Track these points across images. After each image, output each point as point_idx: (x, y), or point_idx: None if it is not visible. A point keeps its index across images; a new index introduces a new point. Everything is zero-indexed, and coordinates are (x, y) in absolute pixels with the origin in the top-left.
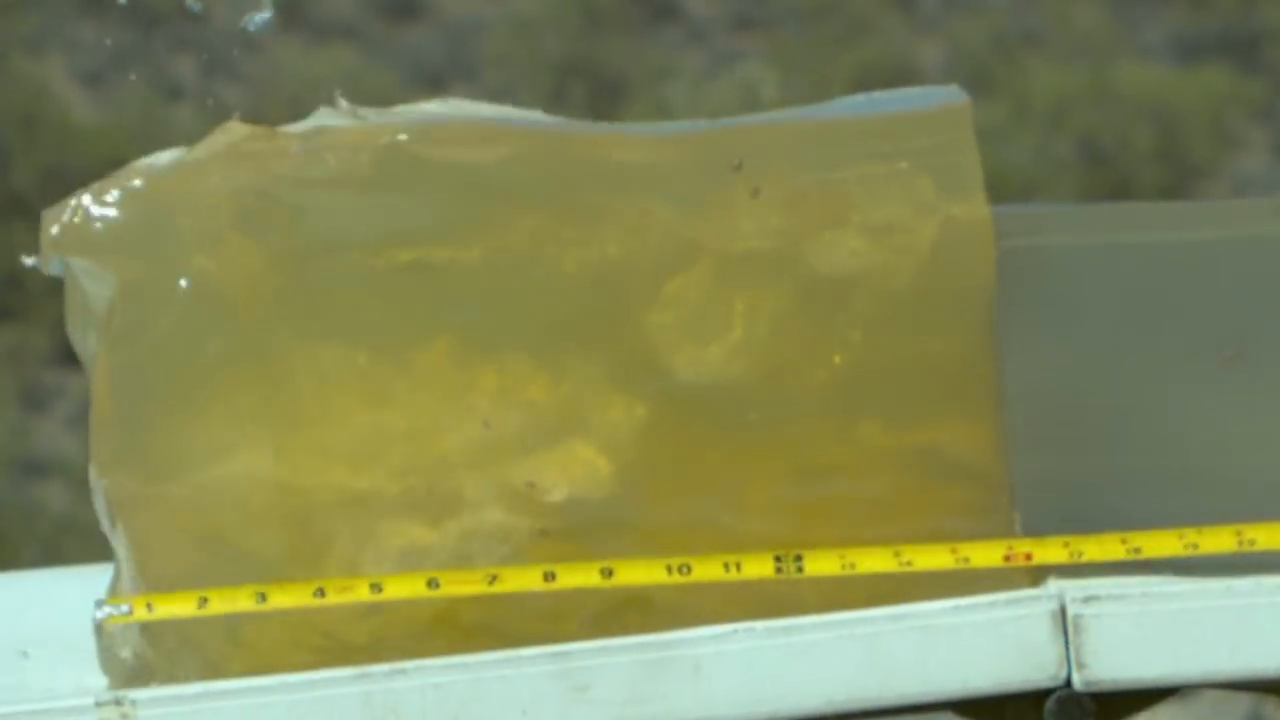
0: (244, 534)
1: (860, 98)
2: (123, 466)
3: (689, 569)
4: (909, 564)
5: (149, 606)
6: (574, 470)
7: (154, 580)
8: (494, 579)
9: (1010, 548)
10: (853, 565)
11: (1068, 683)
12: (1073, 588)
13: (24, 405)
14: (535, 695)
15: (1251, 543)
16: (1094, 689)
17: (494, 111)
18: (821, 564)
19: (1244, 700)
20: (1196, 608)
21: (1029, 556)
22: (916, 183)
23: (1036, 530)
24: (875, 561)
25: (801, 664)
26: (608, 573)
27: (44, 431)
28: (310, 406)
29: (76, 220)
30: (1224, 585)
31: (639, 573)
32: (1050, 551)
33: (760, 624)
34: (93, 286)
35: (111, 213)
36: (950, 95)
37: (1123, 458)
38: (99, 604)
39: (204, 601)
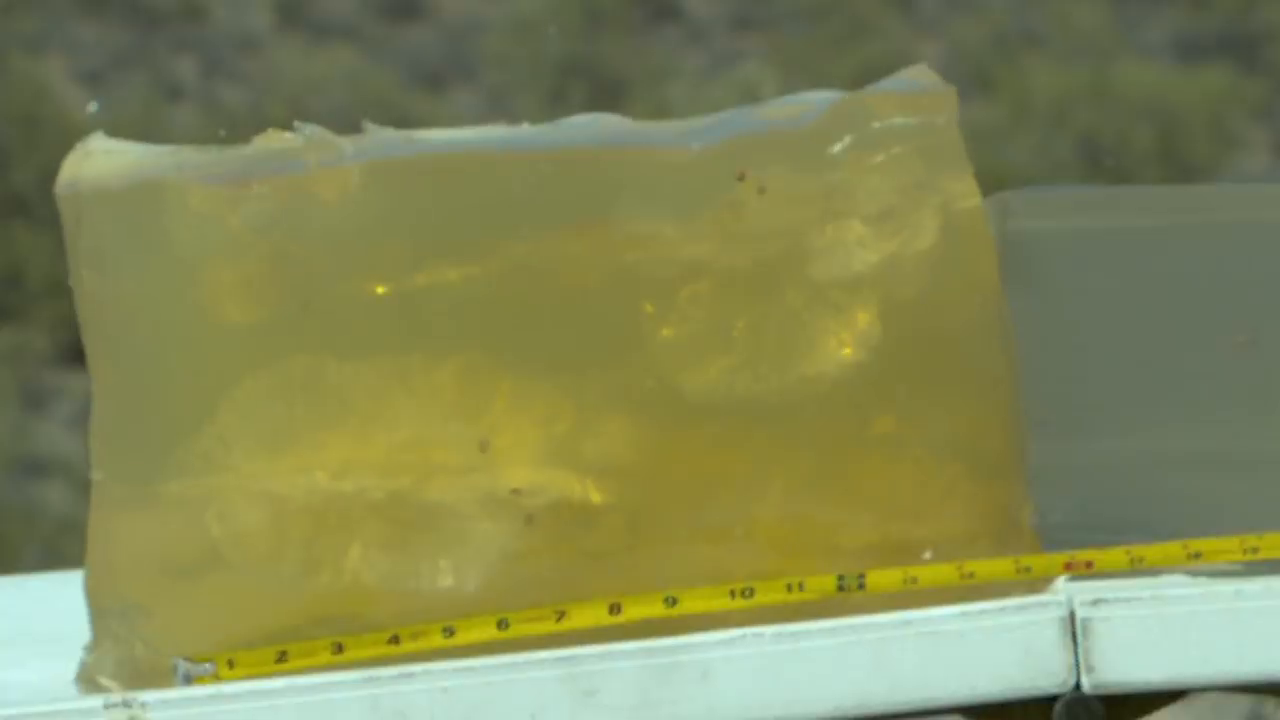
0: (234, 540)
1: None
2: (119, 467)
3: (752, 592)
4: (971, 576)
5: (230, 663)
6: (570, 484)
7: (146, 588)
8: (562, 615)
9: (1072, 557)
10: (914, 580)
11: (1076, 686)
12: (1081, 591)
13: (24, 405)
14: (543, 699)
15: (1254, 550)
16: (1102, 692)
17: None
18: (884, 580)
19: (1244, 700)
20: (1205, 611)
21: (1089, 565)
22: (909, 165)
23: (1049, 519)
24: (937, 575)
25: (810, 669)
26: (671, 601)
27: (44, 431)
28: (305, 416)
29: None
30: (1233, 588)
31: (702, 601)
32: (1112, 558)
33: (768, 629)
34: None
35: (122, 217)
36: (926, 81)
37: (1136, 444)
38: (179, 662)
39: (283, 656)
